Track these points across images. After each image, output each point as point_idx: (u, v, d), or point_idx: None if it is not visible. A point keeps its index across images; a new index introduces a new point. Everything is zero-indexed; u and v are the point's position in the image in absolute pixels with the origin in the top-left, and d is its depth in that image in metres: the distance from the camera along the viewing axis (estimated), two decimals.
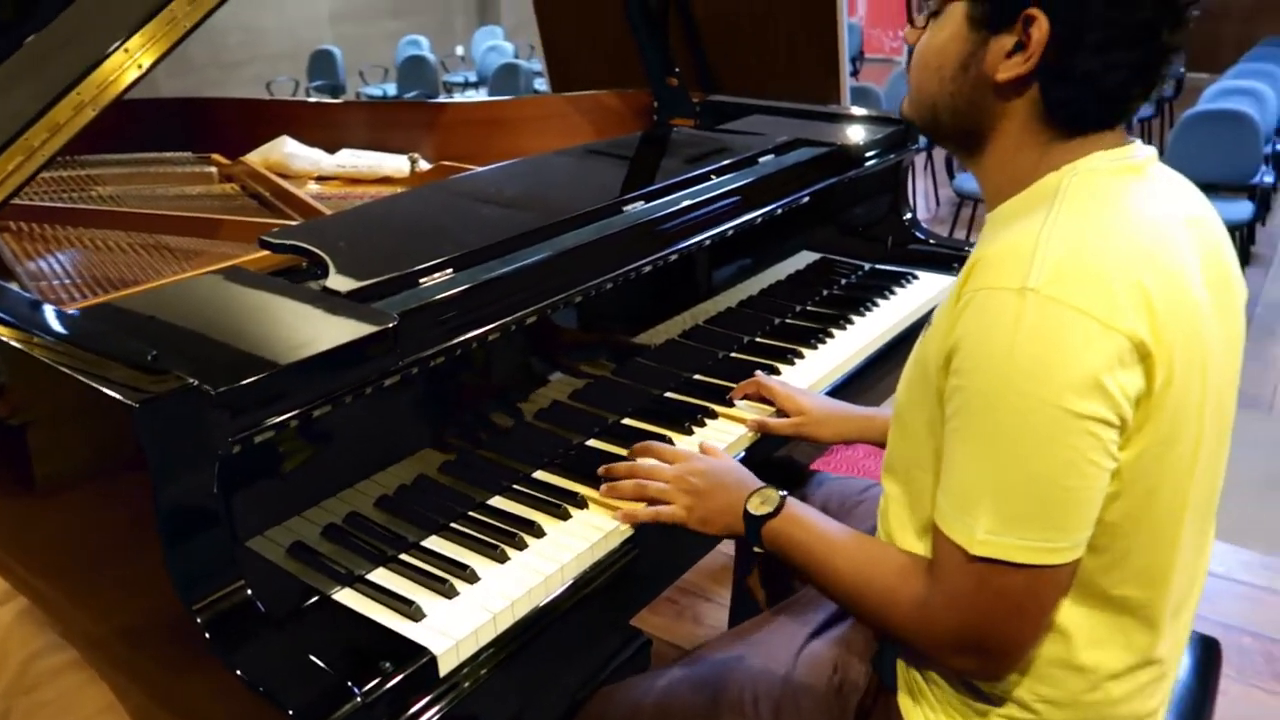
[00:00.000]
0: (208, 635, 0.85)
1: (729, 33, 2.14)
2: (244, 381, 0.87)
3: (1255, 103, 4.44)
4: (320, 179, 2.06)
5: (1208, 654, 1.27)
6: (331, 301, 1.05)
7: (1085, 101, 0.87)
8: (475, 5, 10.80)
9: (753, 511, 1.04)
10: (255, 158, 2.06)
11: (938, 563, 0.88)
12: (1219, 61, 6.93)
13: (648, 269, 1.36)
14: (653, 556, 1.14)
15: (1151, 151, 0.92)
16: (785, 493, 1.05)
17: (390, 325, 0.98)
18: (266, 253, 1.26)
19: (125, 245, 1.54)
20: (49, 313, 1.05)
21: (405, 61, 8.37)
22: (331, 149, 2.13)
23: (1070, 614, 0.90)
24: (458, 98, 7.95)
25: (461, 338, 1.09)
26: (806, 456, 1.57)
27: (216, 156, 2.11)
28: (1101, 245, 0.81)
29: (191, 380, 0.84)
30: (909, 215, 1.93)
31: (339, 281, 1.11)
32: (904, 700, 1.02)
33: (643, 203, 1.45)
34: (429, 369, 1.08)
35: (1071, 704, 0.93)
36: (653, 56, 2.05)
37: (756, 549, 1.06)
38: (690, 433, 1.33)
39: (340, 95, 8.02)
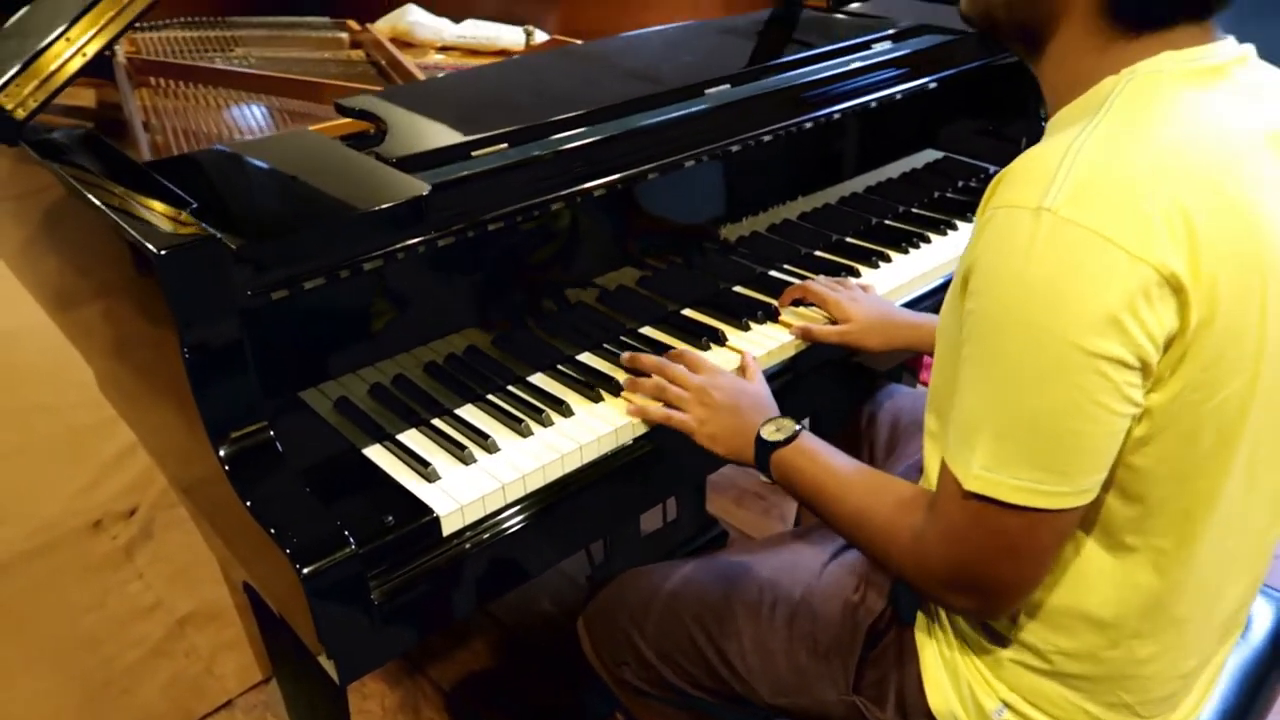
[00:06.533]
0: (228, 468, 0.92)
1: None
2: (263, 240, 0.91)
3: None
4: (443, 49, 2.07)
5: None
6: (374, 169, 1.07)
7: None
8: None
9: (765, 437, 1.02)
10: (382, 25, 2.09)
11: (938, 494, 0.83)
12: None
13: (732, 150, 1.31)
14: (669, 459, 1.14)
15: (1243, 51, 0.78)
16: (802, 425, 1.03)
17: (419, 196, 0.99)
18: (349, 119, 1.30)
19: (239, 104, 1.62)
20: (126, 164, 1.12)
21: None
22: (459, 17, 2.13)
23: (1093, 562, 0.84)
24: None
25: (498, 212, 1.10)
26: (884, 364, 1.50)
27: (350, 22, 2.16)
28: (1138, 159, 0.70)
29: (215, 234, 0.89)
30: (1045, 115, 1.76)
31: (393, 147, 1.12)
32: (919, 634, 1.00)
33: (729, 85, 1.38)
34: (471, 241, 1.09)
35: (1089, 658, 0.88)
36: None
37: (764, 478, 1.04)
38: (747, 328, 1.29)
39: None
